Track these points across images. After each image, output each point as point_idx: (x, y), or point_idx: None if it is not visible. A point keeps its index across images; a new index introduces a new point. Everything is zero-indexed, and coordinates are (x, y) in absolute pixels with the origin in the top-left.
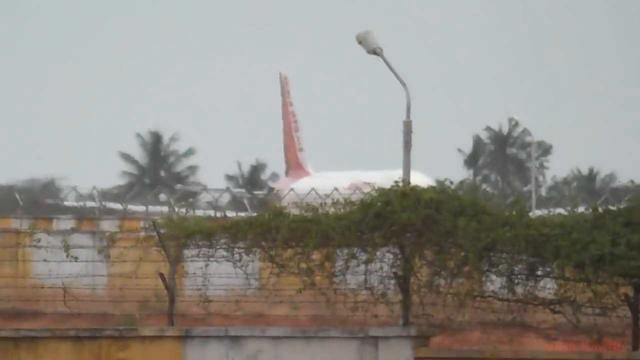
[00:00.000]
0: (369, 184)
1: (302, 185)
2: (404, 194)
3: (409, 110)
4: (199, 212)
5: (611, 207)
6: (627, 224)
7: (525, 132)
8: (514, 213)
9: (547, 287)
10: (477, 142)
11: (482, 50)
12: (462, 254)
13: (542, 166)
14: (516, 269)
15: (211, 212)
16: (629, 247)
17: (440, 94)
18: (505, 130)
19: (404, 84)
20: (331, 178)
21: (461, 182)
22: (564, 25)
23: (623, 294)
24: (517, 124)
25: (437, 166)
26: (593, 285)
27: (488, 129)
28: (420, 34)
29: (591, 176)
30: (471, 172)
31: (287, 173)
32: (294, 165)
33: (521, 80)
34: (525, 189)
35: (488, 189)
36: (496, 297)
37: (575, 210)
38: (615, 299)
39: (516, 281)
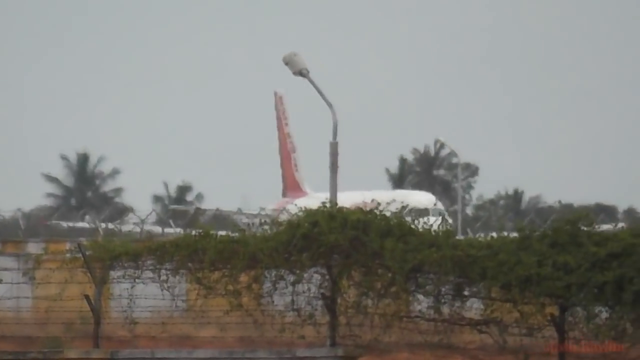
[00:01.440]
0: (374, 201)
1: (300, 204)
2: (332, 215)
3: (336, 132)
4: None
5: (537, 229)
6: (553, 244)
7: (451, 153)
8: (440, 234)
9: (474, 308)
10: (404, 163)
11: (409, 71)
12: (389, 274)
13: (468, 186)
14: (443, 289)
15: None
16: (554, 267)
17: (367, 115)
18: (431, 151)
19: (330, 105)
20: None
21: (388, 204)
22: (489, 47)
23: (549, 314)
24: (443, 145)
25: (364, 187)
26: (519, 305)
27: (414, 150)
28: (348, 55)
29: (517, 197)
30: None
31: (283, 193)
32: (291, 186)
33: (448, 102)
34: (451, 209)
35: None
36: (423, 318)
37: (502, 231)
38: (541, 319)
39: (443, 302)
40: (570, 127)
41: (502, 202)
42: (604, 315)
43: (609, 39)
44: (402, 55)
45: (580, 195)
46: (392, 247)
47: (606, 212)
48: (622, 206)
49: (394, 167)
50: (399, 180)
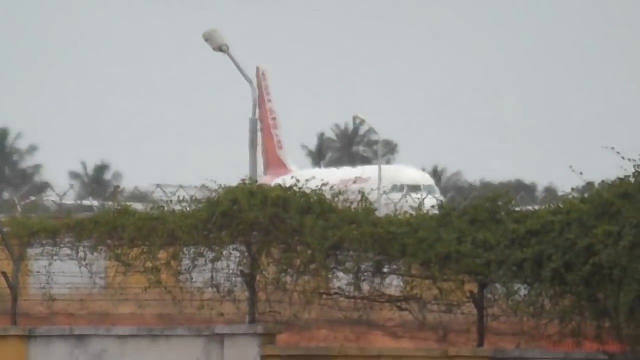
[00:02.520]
0: (361, 178)
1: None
2: (251, 192)
3: (255, 109)
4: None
5: (457, 206)
6: (473, 221)
7: (370, 130)
8: (360, 211)
9: (394, 285)
10: (323, 139)
11: (329, 47)
12: (309, 251)
13: (388, 163)
14: (363, 266)
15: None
16: (474, 244)
17: (286, 90)
18: (350, 128)
19: (250, 81)
20: (319, 175)
21: (307, 180)
22: (407, 21)
23: (468, 291)
24: (362, 122)
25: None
26: (439, 282)
27: (335, 126)
28: (268, 31)
29: (437, 174)
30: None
31: (265, 171)
32: (274, 163)
33: (367, 79)
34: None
35: None
36: (343, 295)
37: (421, 208)
38: (460, 296)
39: (363, 279)
40: (490, 105)
41: None
42: (523, 291)
43: (525, 18)
44: (320, 31)
45: (501, 172)
46: (311, 224)
47: (526, 189)
48: (542, 183)
49: (312, 144)
50: (317, 157)
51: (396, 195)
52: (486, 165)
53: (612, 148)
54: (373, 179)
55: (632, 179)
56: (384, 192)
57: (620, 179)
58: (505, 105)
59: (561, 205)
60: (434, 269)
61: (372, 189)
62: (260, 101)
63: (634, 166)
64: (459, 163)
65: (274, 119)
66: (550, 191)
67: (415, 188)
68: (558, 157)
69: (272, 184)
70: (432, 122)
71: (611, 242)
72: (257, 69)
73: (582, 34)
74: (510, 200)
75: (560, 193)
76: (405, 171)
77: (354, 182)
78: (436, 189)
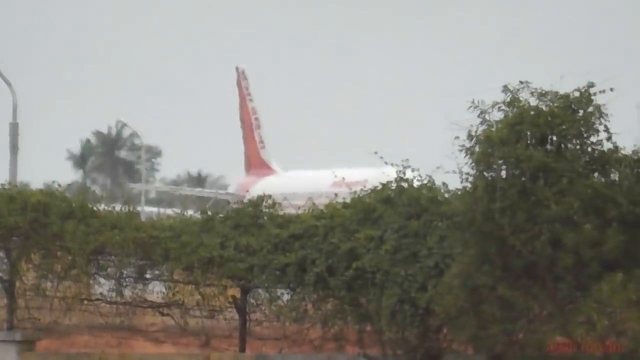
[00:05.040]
0: (358, 182)
1: (270, 183)
2: (11, 197)
3: (15, 112)
4: None
5: (220, 211)
6: (236, 226)
7: (134, 135)
8: (123, 216)
9: (156, 291)
10: (86, 144)
11: (93, 50)
12: (70, 257)
13: (152, 168)
14: (125, 272)
15: None
16: (237, 249)
17: (49, 96)
18: (114, 133)
19: (9, 84)
20: (308, 176)
21: (69, 185)
22: (154, 28)
23: (231, 296)
24: (124, 126)
25: (47, 169)
26: (202, 287)
27: (97, 132)
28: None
29: (200, 178)
30: (80, 174)
31: (247, 171)
32: (256, 164)
33: (133, 84)
34: (135, 191)
35: (97, 191)
36: (104, 301)
37: (185, 213)
38: (223, 301)
39: (125, 284)
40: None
41: (185, 184)
42: (286, 296)
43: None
44: (80, 35)
45: None
46: (73, 229)
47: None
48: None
49: (76, 149)
50: (81, 162)
51: None
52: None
53: (376, 153)
54: (371, 180)
55: (394, 185)
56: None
57: (382, 184)
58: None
59: (325, 210)
60: (196, 274)
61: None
62: (242, 101)
63: (396, 172)
64: (222, 168)
65: (256, 119)
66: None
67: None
68: (321, 164)
69: (256, 184)
70: (198, 127)
71: (373, 247)
72: (237, 68)
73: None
74: (273, 205)
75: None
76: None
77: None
78: None
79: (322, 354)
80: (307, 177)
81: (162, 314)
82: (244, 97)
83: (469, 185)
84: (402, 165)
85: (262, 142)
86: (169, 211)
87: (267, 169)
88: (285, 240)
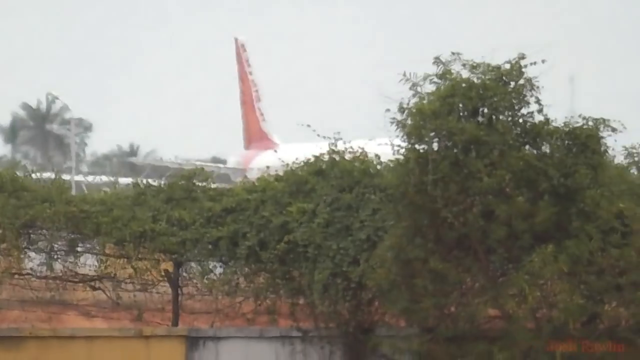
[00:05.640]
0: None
1: (274, 156)
2: None
3: None
4: None
5: (153, 184)
6: (168, 200)
7: (64, 108)
8: (53, 190)
9: (88, 264)
10: (15, 118)
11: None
12: (0, 231)
13: (83, 142)
14: (56, 246)
15: None
16: (169, 223)
17: None
18: (44, 106)
19: None
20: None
21: None
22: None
23: (164, 270)
24: (55, 99)
25: None
26: (134, 261)
27: (25, 105)
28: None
29: (133, 152)
30: (10, 148)
31: (247, 145)
32: (257, 137)
33: (62, 57)
34: (65, 165)
35: (28, 165)
36: (35, 275)
37: (116, 186)
38: (156, 275)
39: (56, 258)
40: (185, 83)
41: (116, 158)
42: (219, 270)
43: None
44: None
45: (197, 150)
46: (2, 203)
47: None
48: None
49: (6, 122)
50: (11, 135)
51: None
52: (182, 143)
53: (309, 126)
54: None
55: (326, 157)
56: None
57: (314, 156)
58: (201, 82)
59: (257, 183)
60: (128, 248)
61: None
62: (242, 74)
63: (328, 144)
64: (155, 141)
65: (256, 91)
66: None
67: None
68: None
69: (257, 158)
70: (128, 101)
71: (306, 220)
72: (236, 40)
73: None
74: (206, 178)
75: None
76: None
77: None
78: None
79: (254, 328)
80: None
81: (94, 288)
82: (243, 70)
83: (401, 157)
84: (334, 138)
85: (262, 114)
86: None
87: (269, 142)
88: (217, 214)
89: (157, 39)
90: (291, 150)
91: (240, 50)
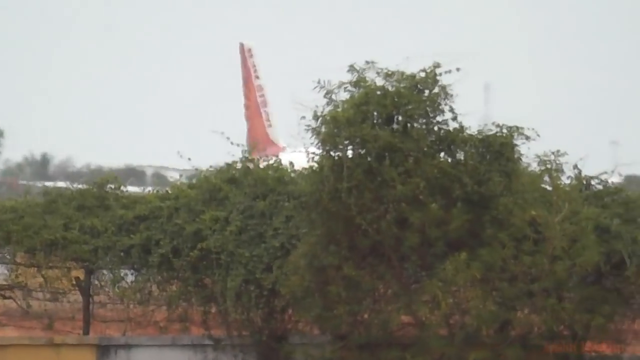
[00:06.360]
0: None
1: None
2: None
3: None
4: None
5: (64, 192)
6: (80, 208)
7: None
8: None
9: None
10: None
11: None
12: None
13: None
14: None
15: None
16: (81, 231)
17: None
18: None
19: None
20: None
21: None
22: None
23: (75, 278)
24: None
25: None
26: (44, 270)
27: None
28: None
29: (45, 161)
30: None
31: (253, 151)
32: (263, 142)
33: None
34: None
35: None
36: None
37: (28, 195)
38: (67, 283)
39: None
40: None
41: (29, 167)
42: (131, 278)
43: None
44: None
45: (111, 158)
46: None
47: (135, 175)
48: (150, 170)
49: None
50: None
51: None
52: (96, 150)
53: (222, 133)
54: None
55: (239, 165)
56: None
57: (228, 164)
58: (113, 89)
59: (170, 191)
60: (39, 256)
61: None
62: (247, 79)
63: (241, 152)
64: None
65: (262, 96)
66: (159, 177)
67: None
68: (168, 143)
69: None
70: (42, 108)
71: (219, 228)
72: (242, 45)
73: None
74: (119, 186)
75: (169, 179)
76: None
77: None
78: None
79: (166, 336)
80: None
81: (4, 297)
82: (249, 75)
83: (315, 165)
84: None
85: (268, 120)
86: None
87: (275, 147)
88: (130, 222)
89: (72, 45)
90: (296, 156)
91: (246, 55)
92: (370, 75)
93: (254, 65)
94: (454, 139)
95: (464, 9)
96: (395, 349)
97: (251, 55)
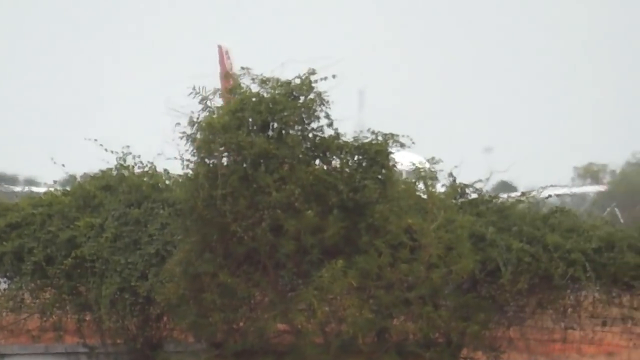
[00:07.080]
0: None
1: None
2: None
3: None
4: None
5: None
6: None
7: None
8: None
9: None
10: None
11: None
12: None
13: None
14: None
15: None
16: None
17: None
18: None
19: None
20: None
21: None
22: None
23: None
24: None
25: None
26: None
27: None
28: None
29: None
30: None
31: None
32: None
33: None
34: None
35: None
36: None
37: None
38: None
39: None
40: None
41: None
42: (3, 286)
43: None
44: None
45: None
46: None
47: (6, 181)
48: (23, 175)
49: None
50: None
51: None
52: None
53: (96, 140)
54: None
55: (114, 171)
56: None
57: (102, 171)
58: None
59: (43, 198)
60: None
61: None
62: (226, 82)
63: (116, 158)
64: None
65: None
66: (31, 183)
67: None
68: (39, 149)
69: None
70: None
71: (94, 235)
72: (220, 47)
73: None
74: None
75: (42, 186)
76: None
77: None
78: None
79: (39, 345)
80: None
81: None
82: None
83: (190, 172)
84: (123, 152)
85: None
86: None
87: None
88: (2, 230)
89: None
90: None
91: (224, 57)
92: (245, 81)
93: (232, 68)
94: (330, 145)
95: (338, 14)
96: (271, 357)
97: (229, 57)
